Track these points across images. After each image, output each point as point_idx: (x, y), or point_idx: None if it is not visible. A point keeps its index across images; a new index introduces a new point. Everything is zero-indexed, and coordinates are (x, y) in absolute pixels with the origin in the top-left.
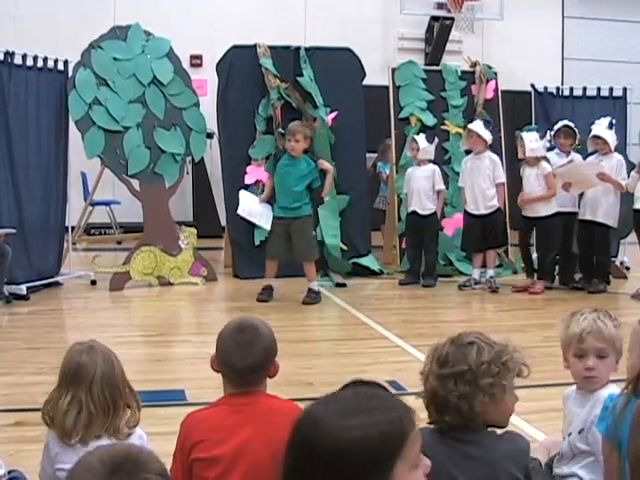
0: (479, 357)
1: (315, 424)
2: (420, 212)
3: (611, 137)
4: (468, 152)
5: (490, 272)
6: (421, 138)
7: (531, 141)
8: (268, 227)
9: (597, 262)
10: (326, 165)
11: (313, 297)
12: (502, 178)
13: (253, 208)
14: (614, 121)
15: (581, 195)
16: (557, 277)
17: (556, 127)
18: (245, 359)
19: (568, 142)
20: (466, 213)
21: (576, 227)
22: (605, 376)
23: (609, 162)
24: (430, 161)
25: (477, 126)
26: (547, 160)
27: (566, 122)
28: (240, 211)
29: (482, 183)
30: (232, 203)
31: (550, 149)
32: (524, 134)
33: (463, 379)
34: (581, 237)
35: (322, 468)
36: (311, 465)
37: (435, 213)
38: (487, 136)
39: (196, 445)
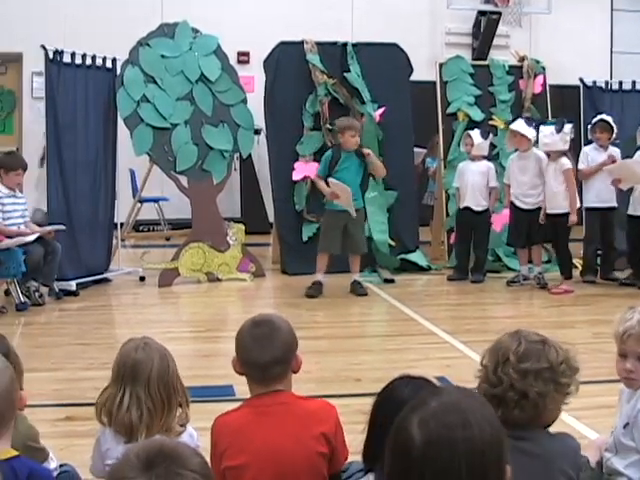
0: (557, 357)
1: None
2: (474, 208)
3: None
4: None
5: (537, 268)
6: (476, 134)
7: (546, 135)
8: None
9: None
10: (366, 150)
11: (363, 289)
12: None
13: None
14: None
15: (630, 191)
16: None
17: (593, 121)
18: (265, 353)
19: (605, 136)
20: (513, 206)
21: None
22: None
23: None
24: (484, 157)
25: (519, 125)
26: (567, 156)
27: (603, 116)
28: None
29: (528, 181)
30: (280, 199)
31: (588, 143)
32: (541, 127)
33: (543, 376)
34: (631, 233)
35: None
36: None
37: (488, 210)
38: (530, 134)
39: (224, 452)
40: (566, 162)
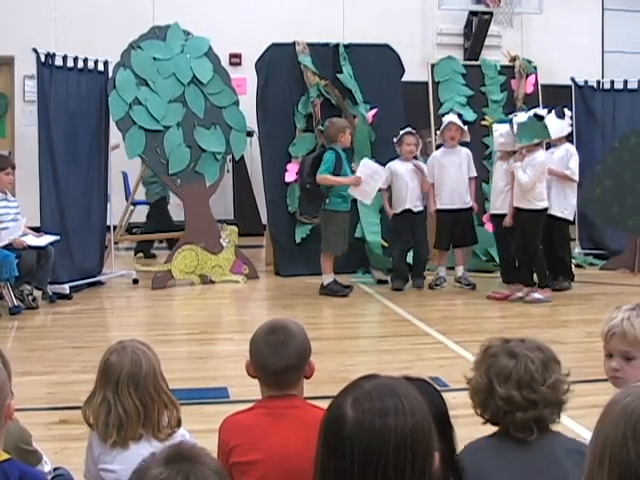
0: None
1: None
2: (414, 209)
3: (558, 127)
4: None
5: (460, 268)
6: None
7: (502, 134)
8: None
9: (558, 258)
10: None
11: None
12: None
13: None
14: (566, 110)
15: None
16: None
17: (446, 121)
18: (279, 360)
19: (458, 135)
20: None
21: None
22: (633, 377)
23: (558, 152)
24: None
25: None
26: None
27: (455, 117)
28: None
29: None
30: (273, 200)
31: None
32: (495, 126)
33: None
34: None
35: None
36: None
37: (425, 210)
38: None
39: (234, 449)
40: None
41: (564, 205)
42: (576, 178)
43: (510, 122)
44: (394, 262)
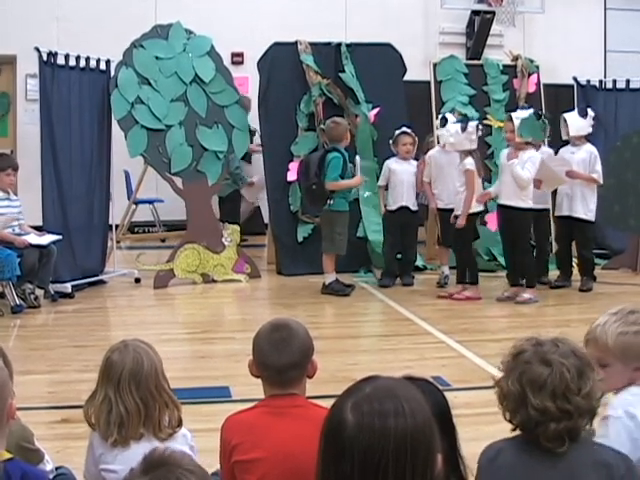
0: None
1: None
2: (412, 207)
3: (577, 125)
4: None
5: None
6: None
7: (451, 134)
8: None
9: (583, 259)
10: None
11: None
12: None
13: None
14: (589, 110)
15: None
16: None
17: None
18: (282, 357)
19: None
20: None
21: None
22: (608, 384)
23: (579, 154)
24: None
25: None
26: (472, 155)
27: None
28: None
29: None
30: (275, 199)
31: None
32: (447, 126)
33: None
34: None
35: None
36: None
37: (418, 210)
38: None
39: (236, 447)
40: (469, 162)
41: (588, 207)
42: (601, 181)
43: (460, 122)
44: (384, 258)
